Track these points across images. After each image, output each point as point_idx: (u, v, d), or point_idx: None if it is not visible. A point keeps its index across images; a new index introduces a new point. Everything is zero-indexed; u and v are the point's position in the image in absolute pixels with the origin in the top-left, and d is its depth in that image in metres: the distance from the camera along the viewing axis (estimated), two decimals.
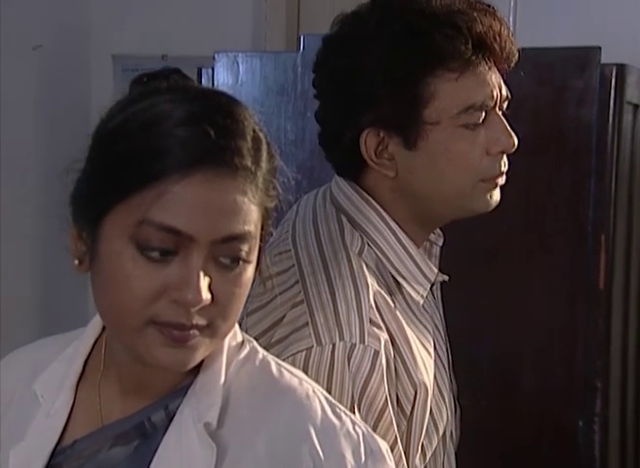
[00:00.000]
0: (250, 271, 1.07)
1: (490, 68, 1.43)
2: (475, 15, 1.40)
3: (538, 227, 2.16)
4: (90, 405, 1.15)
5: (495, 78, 1.44)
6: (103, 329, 1.18)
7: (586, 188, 2.11)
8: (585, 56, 2.11)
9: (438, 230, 1.57)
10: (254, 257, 1.08)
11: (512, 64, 1.45)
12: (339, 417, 1.12)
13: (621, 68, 2.11)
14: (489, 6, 1.43)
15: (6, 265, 3.06)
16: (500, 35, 1.42)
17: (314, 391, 1.13)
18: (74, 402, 1.16)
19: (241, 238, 1.04)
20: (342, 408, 1.15)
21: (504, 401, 2.19)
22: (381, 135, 1.43)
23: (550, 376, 2.15)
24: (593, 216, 2.11)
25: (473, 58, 1.40)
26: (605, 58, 2.11)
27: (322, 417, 1.11)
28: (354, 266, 1.42)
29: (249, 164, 1.05)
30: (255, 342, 1.18)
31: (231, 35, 3.00)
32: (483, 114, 1.42)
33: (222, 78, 2.43)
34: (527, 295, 2.17)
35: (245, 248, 1.05)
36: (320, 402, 1.12)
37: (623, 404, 2.26)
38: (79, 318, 1.22)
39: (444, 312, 1.60)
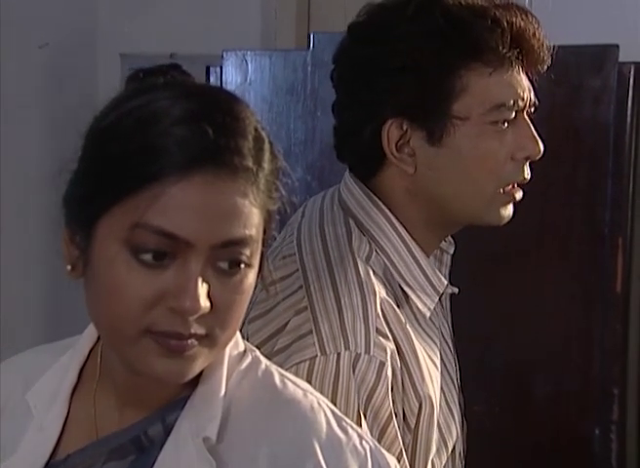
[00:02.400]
0: (251, 277, 1.04)
1: (522, 70, 1.40)
2: (515, 11, 1.38)
3: (553, 230, 2.13)
4: (84, 417, 1.12)
5: (526, 81, 1.41)
6: (99, 337, 1.15)
7: (603, 190, 2.08)
8: (603, 54, 2.07)
9: (450, 238, 1.53)
10: (255, 263, 1.04)
11: (544, 67, 1.43)
12: (345, 431, 1.08)
13: None
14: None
15: (9, 268, 3.04)
16: (537, 33, 1.39)
17: (319, 403, 1.10)
18: (68, 413, 1.12)
19: (242, 243, 1.01)
20: (349, 421, 1.11)
21: (518, 408, 2.16)
22: (405, 127, 1.38)
23: (565, 383, 2.12)
24: (610, 219, 2.08)
25: (510, 54, 1.37)
26: (623, 57, 2.07)
27: (327, 431, 1.07)
28: (361, 272, 1.38)
29: (250, 164, 1.01)
30: (257, 352, 1.15)
31: (240, 33, 2.97)
32: (513, 114, 1.39)
33: (231, 77, 2.41)
34: (541, 299, 2.14)
35: (246, 252, 1.01)
36: (326, 415, 1.09)
37: None
38: (82, 324, 1.19)
39: (452, 322, 1.56)
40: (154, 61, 1.10)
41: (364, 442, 1.08)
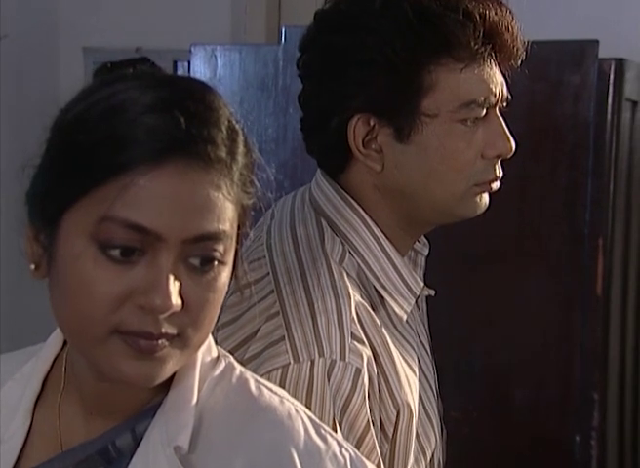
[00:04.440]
0: (225, 276, 1.00)
1: (495, 64, 1.37)
2: (488, 3, 1.34)
3: (532, 230, 2.11)
4: (49, 428, 1.07)
5: (499, 75, 1.37)
6: (65, 344, 1.10)
7: (583, 189, 2.06)
8: (582, 50, 2.06)
9: (424, 238, 1.49)
10: (229, 260, 1.01)
11: (518, 62, 1.39)
12: (324, 439, 1.05)
13: (620, 63, 2.06)
14: None
15: None
16: (511, 27, 1.35)
17: (297, 410, 1.06)
18: (31, 425, 1.07)
19: (215, 237, 0.97)
20: (328, 428, 1.08)
21: (497, 414, 2.13)
22: (372, 123, 1.35)
23: (545, 388, 2.10)
24: (590, 219, 2.05)
25: (482, 49, 1.34)
26: (603, 53, 2.06)
27: (305, 439, 1.03)
28: (335, 275, 1.34)
29: (224, 155, 0.98)
30: (231, 357, 1.10)
31: (209, 27, 2.96)
32: (484, 111, 1.35)
33: (200, 72, 2.38)
34: (520, 302, 2.11)
35: (219, 248, 0.98)
36: (303, 422, 1.05)
37: (621, 417, 2.21)
38: (42, 331, 1.15)
39: (429, 325, 1.52)
40: (119, 56, 1.07)
41: (344, 450, 1.05)
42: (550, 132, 2.07)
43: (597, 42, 2.04)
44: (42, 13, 3.19)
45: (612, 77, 2.04)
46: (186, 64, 2.40)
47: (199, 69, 2.37)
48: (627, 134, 2.13)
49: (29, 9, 3.17)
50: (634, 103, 2.15)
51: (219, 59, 2.36)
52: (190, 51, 2.40)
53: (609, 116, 2.04)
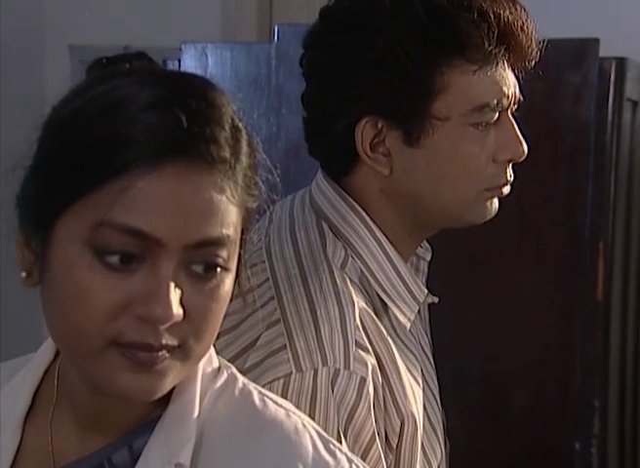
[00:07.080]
0: (228, 283, 0.96)
1: (508, 65, 1.34)
2: (502, 2, 1.31)
3: (531, 233, 2.09)
4: (40, 445, 1.02)
5: (512, 77, 1.35)
6: (57, 355, 1.06)
7: (584, 191, 2.04)
8: (583, 48, 2.04)
9: (426, 243, 1.46)
10: (232, 266, 0.96)
11: (532, 63, 1.36)
12: (333, 455, 1.01)
13: (621, 62, 2.05)
14: None
15: None
16: (526, 27, 1.33)
17: (304, 424, 1.02)
18: (21, 441, 1.03)
19: (219, 243, 0.93)
20: (337, 443, 1.03)
21: (495, 421, 2.11)
22: (380, 126, 1.31)
23: (544, 394, 2.08)
24: (591, 222, 2.04)
25: (496, 50, 1.30)
26: (603, 52, 2.04)
27: (314, 456, 0.99)
28: (337, 281, 1.31)
29: (227, 156, 0.94)
30: (233, 368, 1.06)
31: (199, 24, 2.96)
32: (496, 115, 1.33)
33: (190, 71, 2.31)
34: (519, 307, 2.09)
35: (223, 255, 0.94)
36: (311, 437, 1.01)
37: (621, 424, 2.19)
38: (31, 341, 1.14)
39: (432, 332, 1.49)
40: (106, 54, 1.03)
41: (354, 465, 1.01)
42: (550, 132, 2.05)
43: (598, 41, 2.03)
44: (27, 10, 3.18)
45: (612, 76, 2.02)
46: (176, 63, 2.37)
47: (189, 68, 2.33)
48: (628, 134, 2.11)
49: (14, 6, 3.16)
50: (635, 103, 2.14)
51: (209, 58, 2.33)
52: (180, 49, 2.38)
53: (609, 116, 2.03)
